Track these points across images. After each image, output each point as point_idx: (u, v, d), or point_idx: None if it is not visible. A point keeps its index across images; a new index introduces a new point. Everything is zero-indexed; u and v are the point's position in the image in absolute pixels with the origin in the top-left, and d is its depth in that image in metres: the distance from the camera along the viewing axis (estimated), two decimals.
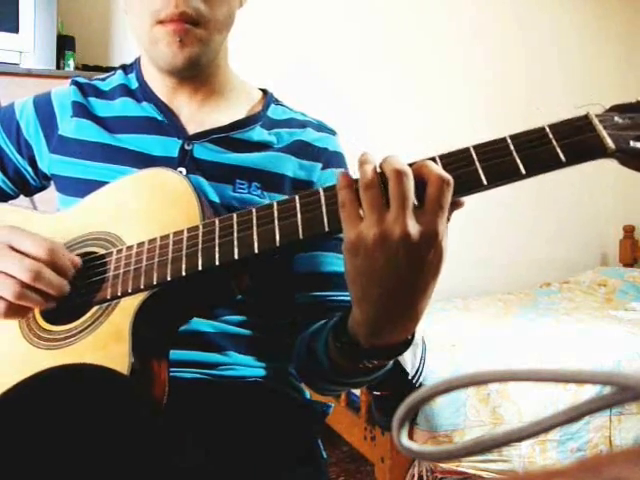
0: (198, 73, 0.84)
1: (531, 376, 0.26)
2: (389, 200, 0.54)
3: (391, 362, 0.69)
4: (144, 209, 0.72)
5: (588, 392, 1.82)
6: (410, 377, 1.68)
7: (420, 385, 1.72)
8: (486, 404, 1.79)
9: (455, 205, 0.57)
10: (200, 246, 0.64)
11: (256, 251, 0.61)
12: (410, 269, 0.56)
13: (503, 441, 0.26)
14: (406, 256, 0.54)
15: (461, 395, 1.77)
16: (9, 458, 0.47)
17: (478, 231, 3.06)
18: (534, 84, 3.28)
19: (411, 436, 1.76)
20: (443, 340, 1.88)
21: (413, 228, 0.54)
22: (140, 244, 0.68)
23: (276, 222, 0.61)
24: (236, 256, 0.62)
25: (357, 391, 1.98)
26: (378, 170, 0.56)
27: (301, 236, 0.60)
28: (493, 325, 2.26)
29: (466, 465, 1.77)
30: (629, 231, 3.41)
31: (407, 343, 0.65)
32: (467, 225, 3.15)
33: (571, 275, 3.24)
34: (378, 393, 1.72)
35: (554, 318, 2.41)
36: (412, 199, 0.54)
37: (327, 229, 0.59)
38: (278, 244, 0.61)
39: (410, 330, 0.63)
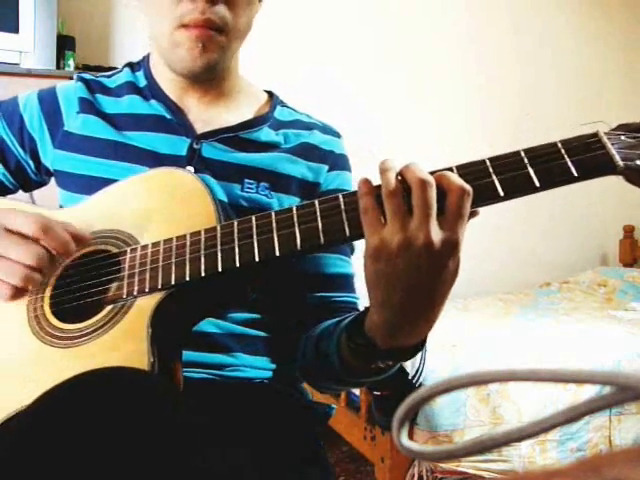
0: (212, 77, 0.84)
1: (531, 376, 0.26)
2: (411, 207, 0.56)
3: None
4: (156, 208, 0.72)
5: (588, 392, 1.82)
6: (410, 377, 1.68)
7: (420, 385, 1.72)
8: (486, 404, 1.79)
9: (471, 215, 0.59)
10: (219, 247, 0.64)
11: (277, 253, 0.62)
12: (430, 275, 0.58)
13: (503, 441, 0.26)
14: (428, 262, 0.57)
15: (461, 395, 1.77)
16: (40, 463, 0.47)
17: (478, 231, 3.05)
18: (528, 89, 3.28)
19: (411, 436, 1.76)
20: (443, 340, 1.88)
21: (436, 236, 0.56)
22: (155, 244, 0.68)
23: (296, 226, 0.63)
24: (257, 258, 0.63)
25: (357, 391, 1.98)
26: (399, 177, 0.58)
27: (322, 241, 0.61)
28: (493, 325, 2.26)
29: (466, 465, 1.77)
30: (629, 231, 3.41)
31: (419, 345, 0.67)
32: (467, 226, 3.14)
33: (571, 275, 3.23)
34: (378, 393, 1.72)
35: (554, 318, 2.41)
36: (435, 207, 0.56)
37: (348, 234, 0.60)
38: (299, 247, 0.62)
39: (425, 333, 0.65)
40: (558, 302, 2.80)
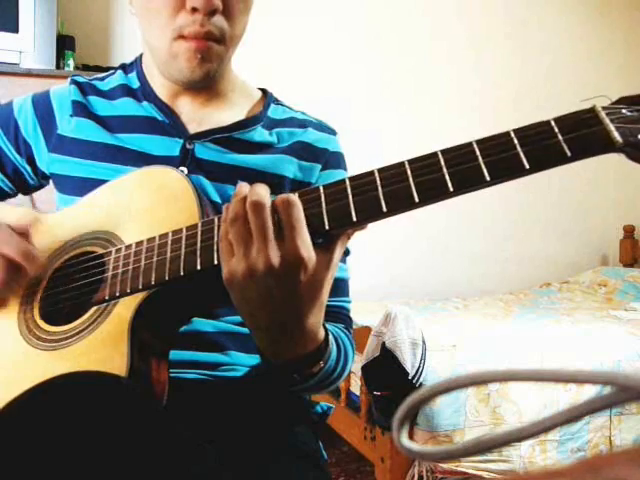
0: (209, 84, 0.85)
1: (531, 376, 0.26)
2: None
3: (330, 363, 0.69)
4: (143, 208, 0.71)
5: (588, 392, 1.82)
6: (410, 377, 1.68)
7: (420, 385, 1.72)
8: (486, 404, 1.79)
9: (357, 229, 0.58)
10: (199, 245, 0.63)
11: None
12: (284, 295, 0.57)
13: (503, 441, 0.26)
14: (276, 285, 0.56)
15: (461, 395, 1.77)
16: (12, 473, 0.47)
17: (478, 232, 3.06)
18: (526, 91, 3.28)
19: (411, 436, 1.76)
20: (443, 340, 1.88)
21: (275, 257, 0.55)
22: (139, 243, 0.67)
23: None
24: None
25: (357, 391, 1.98)
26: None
27: None
28: (493, 325, 2.26)
29: (466, 465, 1.77)
30: (629, 231, 3.41)
31: (320, 350, 0.66)
32: (467, 226, 3.16)
33: (571, 275, 3.24)
34: (378, 393, 1.72)
35: (554, 318, 2.41)
36: (270, 229, 0.55)
37: (327, 228, 0.58)
38: None
39: (308, 344, 0.64)
40: (558, 302, 2.80)
